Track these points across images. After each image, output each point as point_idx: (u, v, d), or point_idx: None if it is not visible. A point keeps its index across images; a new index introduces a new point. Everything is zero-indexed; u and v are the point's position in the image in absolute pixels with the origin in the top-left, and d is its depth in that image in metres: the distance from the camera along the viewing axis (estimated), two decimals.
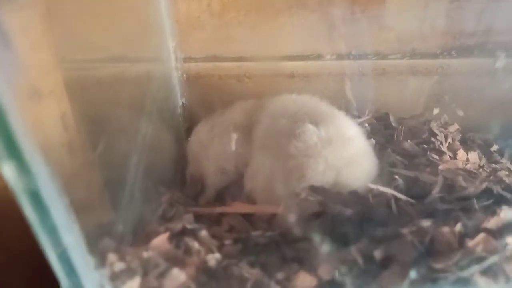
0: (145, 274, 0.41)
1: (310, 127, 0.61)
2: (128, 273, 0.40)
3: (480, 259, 0.43)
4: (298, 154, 0.59)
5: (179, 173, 0.71)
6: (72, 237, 0.34)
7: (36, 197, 0.33)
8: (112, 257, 0.41)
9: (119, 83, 0.72)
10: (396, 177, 0.63)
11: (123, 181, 0.56)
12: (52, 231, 0.32)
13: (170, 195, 0.63)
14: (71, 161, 0.63)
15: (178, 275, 0.42)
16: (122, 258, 0.41)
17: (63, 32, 0.75)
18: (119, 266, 0.40)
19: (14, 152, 0.32)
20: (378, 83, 0.85)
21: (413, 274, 0.41)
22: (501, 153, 0.79)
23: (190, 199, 0.67)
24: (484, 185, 0.59)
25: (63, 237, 0.33)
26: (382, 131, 0.79)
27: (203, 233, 0.51)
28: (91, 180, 0.59)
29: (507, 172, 0.70)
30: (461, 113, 0.86)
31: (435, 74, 0.85)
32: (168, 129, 0.74)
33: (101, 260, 0.40)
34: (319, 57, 0.85)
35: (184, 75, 0.84)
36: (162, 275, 0.42)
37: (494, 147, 0.80)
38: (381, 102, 0.86)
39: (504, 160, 0.77)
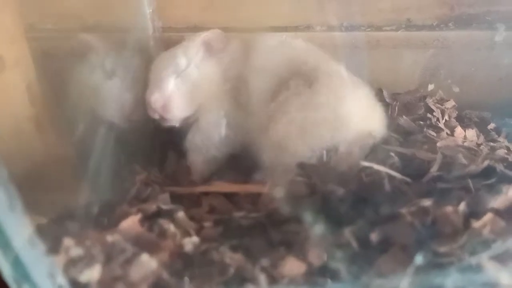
0: (108, 260, 0.36)
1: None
2: (87, 260, 0.35)
3: (487, 242, 0.39)
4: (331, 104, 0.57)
5: (157, 150, 0.65)
6: (14, 217, 0.28)
7: None
8: (68, 241, 0.35)
9: (90, 53, 0.66)
10: (392, 154, 0.58)
11: (91, 157, 0.51)
12: None
13: (146, 174, 0.57)
14: (36, 134, 0.57)
15: (147, 261, 0.36)
16: (81, 243, 0.36)
17: None
18: (76, 251, 0.35)
19: None
20: (371, 56, 0.80)
21: (414, 258, 0.37)
22: (498, 131, 0.76)
23: (169, 179, 0.61)
24: (486, 163, 0.54)
25: (3, 218, 0.27)
26: None
27: (180, 214, 0.46)
28: (56, 155, 0.53)
29: (505, 151, 0.66)
30: (456, 89, 0.82)
31: (431, 47, 0.80)
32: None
33: (56, 246, 0.34)
34: (308, 28, 0.80)
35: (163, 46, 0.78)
36: (128, 262, 0.36)
37: (491, 125, 0.77)
38: (374, 76, 0.81)
39: (501, 139, 0.73)
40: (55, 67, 0.65)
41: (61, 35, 0.72)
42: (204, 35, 0.64)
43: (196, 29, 0.77)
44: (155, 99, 0.59)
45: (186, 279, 0.38)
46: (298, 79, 0.59)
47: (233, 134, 0.62)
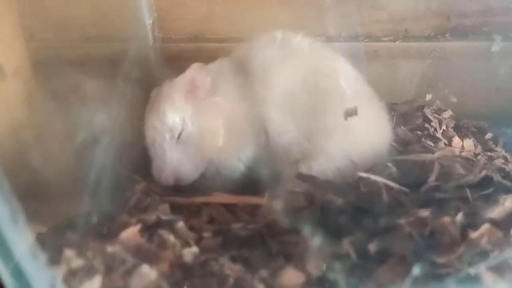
0: (108, 272, 0.36)
1: None
2: (88, 271, 0.35)
3: (485, 253, 0.39)
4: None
5: None
6: (17, 229, 0.28)
7: None
8: (69, 252, 0.35)
9: (91, 63, 0.67)
10: (389, 164, 0.58)
11: (91, 167, 0.51)
12: None
13: (146, 184, 0.57)
14: (36, 145, 0.57)
15: (148, 272, 0.37)
16: (82, 253, 0.36)
17: (31, 8, 0.70)
18: (77, 263, 0.35)
19: None
20: (369, 66, 0.81)
21: (413, 269, 0.37)
22: (495, 141, 0.76)
23: (168, 189, 0.61)
24: (483, 173, 0.55)
25: (3, 229, 0.27)
26: None
27: (180, 224, 0.46)
28: (56, 165, 0.54)
29: (503, 161, 0.66)
30: (454, 99, 0.82)
31: (428, 57, 0.81)
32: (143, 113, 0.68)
33: (56, 257, 0.34)
34: None
35: (163, 56, 0.78)
36: (128, 273, 0.36)
37: (488, 135, 0.78)
38: (372, 86, 0.82)
39: (498, 148, 0.74)
40: (55, 77, 0.65)
41: (62, 45, 0.72)
42: (183, 81, 0.59)
43: (197, 39, 0.78)
44: (165, 177, 0.56)
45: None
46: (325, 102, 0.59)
47: (254, 163, 0.60)
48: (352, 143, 0.59)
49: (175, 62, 0.78)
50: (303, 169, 0.56)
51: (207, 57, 0.75)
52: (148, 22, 0.74)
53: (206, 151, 0.58)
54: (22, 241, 0.30)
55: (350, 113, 0.57)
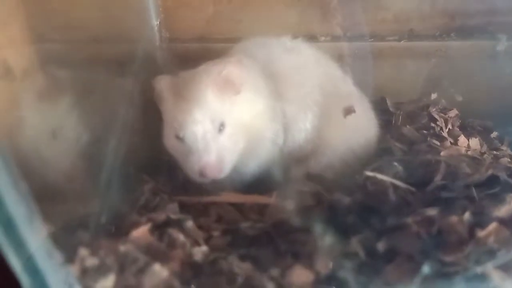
0: (121, 270, 0.36)
1: None
2: (102, 269, 0.35)
3: (493, 251, 0.39)
4: None
5: (165, 159, 0.66)
6: (34, 229, 0.29)
7: None
8: (83, 251, 0.36)
9: (98, 64, 0.67)
10: (395, 164, 0.59)
11: (101, 167, 0.51)
12: (8, 221, 0.28)
13: (154, 184, 0.58)
14: (46, 146, 0.58)
15: (159, 271, 0.37)
16: (95, 252, 0.37)
17: (39, 9, 0.70)
18: (92, 261, 0.35)
19: None
20: (374, 66, 0.81)
21: (420, 268, 0.37)
22: (500, 140, 0.76)
23: (176, 188, 0.62)
24: (490, 172, 0.55)
25: (21, 229, 0.28)
26: (379, 116, 0.75)
27: (189, 223, 0.46)
28: (66, 166, 0.54)
29: (509, 159, 0.66)
30: (459, 98, 0.82)
31: (433, 57, 0.81)
32: (151, 113, 0.68)
33: (71, 256, 0.35)
34: (312, 38, 0.80)
35: (170, 57, 0.79)
36: (141, 271, 0.37)
37: (494, 134, 0.78)
38: (377, 86, 0.82)
39: (504, 147, 0.74)
40: (64, 78, 0.65)
41: (70, 46, 0.72)
42: (219, 74, 0.56)
43: (203, 40, 0.78)
44: (212, 169, 0.52)
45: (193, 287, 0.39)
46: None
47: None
48: (352, 136, 0.64)
49: (182, 62, 0.78)
50: (313, 164, 0.59)
51: (213, 57, 0.76)
52: (155, 22, 0.75)
53: (240, 145, 0.56)
54: (38, 240, 0.30)
55: (349, 111, 0.63)
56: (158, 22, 0.75)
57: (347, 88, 0.68)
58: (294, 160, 0.60)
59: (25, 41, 0.64)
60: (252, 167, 0.59)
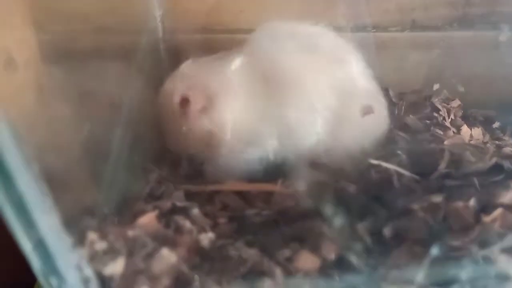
0: (130, 254, 0.37)
1: None
2: (111, 253, 0.36)
3: (499, 236, 0.39)
4: None
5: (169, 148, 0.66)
6: (45, 211, 0.29)
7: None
8: (92, 235, 0.36)
9: (101, 54, 0.67)
10: (399, 152, 0.59)
11: (106, 157, 0.51)
12: (20, 203, 0.28)
13: (159, 173, 0.58)
14: (49, 136, 0.58)
15: (168, 255, 0.37)
16: (104, 236, 0.37)
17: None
18: (101, 245, 0.36)
19: None
20: (377, 56, 0.81)
21: (428, 252, 0.38)
22: (503, 130, 0.76)
23: (181, 176, 0.62)
24: (494, 160, 0.55)
25: (33, 210, 0.28)
26: None
27: (195, 211, 0.47)
28: (72, 155, 0.54)
29: (511, 149, 0.67)
30: (461, 88, 0.82)
31: (436, 47, 0.81)
32: (155, 102, 0.68)
33: (80, 239, 0.35)
34: None
35: (172, 48, 0.79)
36: (150, 255, 0.37)
37: (496, 124, 0.78)
38: (380, 76, 0.82)
39: (506, 137, 0.74)
40: (66, 68, 0.65)
41: (72, 36, 0.72)
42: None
43: (205, 30, 0.78)
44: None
45: (196, 277, 0.39)
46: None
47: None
48: (365, 135, 0.62)
49: (185, 53, 0.78)
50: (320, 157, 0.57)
51: (215, 48, 0.75)
52: (158, 13, 0.75)
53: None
54: (50, 223, 0.30)
55: (368, 111, 0.60)
56: (160, 13, 0.75)
57: (366, 85, 0.64)
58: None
59: (27, 31, 0.64)
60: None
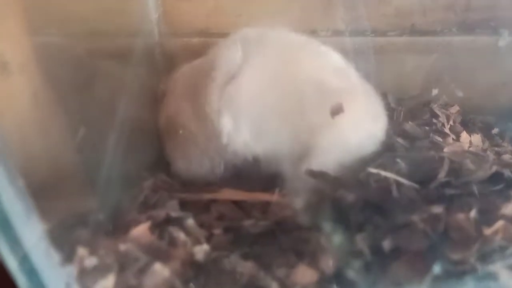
0: (121, 270, 0.36)
1: None
2: (102, 269, 0.34)
3: (500, 249, 0.38)
4: None
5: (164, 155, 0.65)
6: (30, 227, 0.28)
7: None
8: (82, 251, 0.35)
9: (96, 59, 0.66)
10: (398, 160, 0.58)
11: (99, 164, 0.50)
12: (4, 218, 0.26)
13: (153, 180, 0.57)
14: (43, 142, 0.57)
15: (160, 270, 0.36)
16: (94, 251, 0.36)
17: (36, 2, 0.69)
18: (91, 261, 0.34)
19: None
20: (375, 61, 0.80)
21: (428, 266, 0.37)
22: (502, 136, 0.75)
23: (176, 184, 0.61)
24: (494, 169, 0.54)
25: (17, 227, 0.27)
26: None
27: (190, 221, 0.45)
28: (64, 163, 0.53)
29: (510, 156, 0.66)
30: (460, 94, 0.81)
31: (435, 52, 0.80)
32: (151, 108, 0.67)
33: (69, 255, 0.34)
34: (313, 33, 0.79)
35: (169, 51, 0.78)
36: (141, 271, 0.36)
37: (495, 130, 0.77)
38: (378, 81, 0.81)
39: (505, 144, 0.73)
40: (61, 72, 0.64)
41: (67, 40, 0.71)
42: None
43: (202, 34, 0.77)
44: None
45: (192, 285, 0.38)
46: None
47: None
48: (349, 136, 0.58)
49: (181, 57, 0.77)
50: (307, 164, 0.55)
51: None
52: (154, 16, 0.74)
53: None
54: (35, 239, 0.29)
55: (337, 111, 0.55)
56: (156, 16, 0.74)
57: (343, 84, 0.60)
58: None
59: (22, 35, 0.62)
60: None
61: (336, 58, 0.64)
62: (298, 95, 0.57)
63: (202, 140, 0.59)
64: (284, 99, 0.57)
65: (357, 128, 0.59)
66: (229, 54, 0.59)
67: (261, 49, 0.60)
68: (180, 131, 0.60)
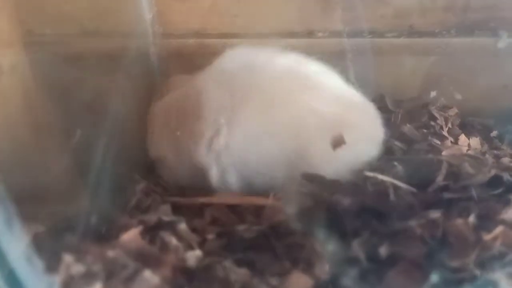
0: (109, 278, 0.34)
1: None
2: (88, 277, 0.33)
3: (500, 256, 0.37)
4: None
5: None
6: (12, 234, 0.26)
7: None
8: (68, 258, 0.34)
9: (89, 60, 0.65)
10: (395, 163, 0.57)
11: (89, 166, 0.49)
12: None
13: (146, 184, 0.56)
14: (34, 144, 0.56)
15: (150, 277, 0.35)
16: (81, 259, 0.34)
17: (28, 2, 0.68)
18: (77, 269, 0.33)
19: None
20: (373, 62, 0.79)
21: (425, 273, 0.36)
22: (501, 139, 0.75)
23: (169, 187, 0.60)
24: (493, 172, 0.53)
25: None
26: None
27: (182, 226, 0.44)
28: (54, 163, 0.52)
29: (510, 159, 0.65)
30: (459, 96, 0.81)
31: (433, 54, 0.79)
32: (145, 111, 0.66)
33: (55, 263, 0.33)
34: (310, 34, 0.78)
35: (163, 52, 0.77)
36: (130, 278, 0.35)
37: (494, 133, 0.76)
38: (376, 82, 0.81)
39: (504, 147, 0.72)
40: (53, 73, 0.63)
41: (60, 40, 0.70)
42: None
43: (198, 35, 0.76)
44: None
45: None
46: None
47: None
48: (345, 160, 0.56)
49: (176, 58, 0.76)
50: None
51: (208, 53, 0.74)
52: (148, 16, 0.73)
53: None
54: (18, 248, 0.28)
55: (338, 143, 0.53)
56: (151, 16, 0.73)
57: (338, 106, 0.58)
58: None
59: (13, 35, 0.61)
60: None
61: (329, 81, 0.61)
62: (294, 135, 0.55)
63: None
64: (279, 143, 0.55)
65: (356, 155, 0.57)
66: (215, 99, 0.55)
67: (248, 88, 0.56)
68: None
